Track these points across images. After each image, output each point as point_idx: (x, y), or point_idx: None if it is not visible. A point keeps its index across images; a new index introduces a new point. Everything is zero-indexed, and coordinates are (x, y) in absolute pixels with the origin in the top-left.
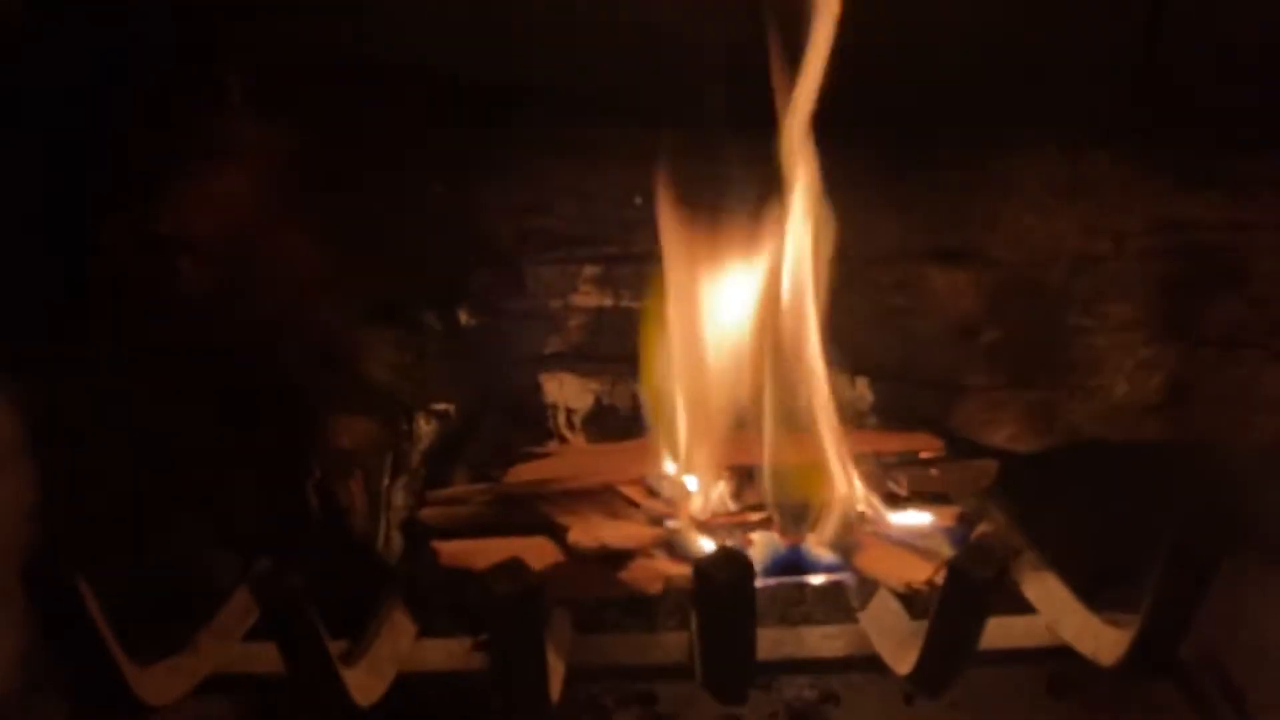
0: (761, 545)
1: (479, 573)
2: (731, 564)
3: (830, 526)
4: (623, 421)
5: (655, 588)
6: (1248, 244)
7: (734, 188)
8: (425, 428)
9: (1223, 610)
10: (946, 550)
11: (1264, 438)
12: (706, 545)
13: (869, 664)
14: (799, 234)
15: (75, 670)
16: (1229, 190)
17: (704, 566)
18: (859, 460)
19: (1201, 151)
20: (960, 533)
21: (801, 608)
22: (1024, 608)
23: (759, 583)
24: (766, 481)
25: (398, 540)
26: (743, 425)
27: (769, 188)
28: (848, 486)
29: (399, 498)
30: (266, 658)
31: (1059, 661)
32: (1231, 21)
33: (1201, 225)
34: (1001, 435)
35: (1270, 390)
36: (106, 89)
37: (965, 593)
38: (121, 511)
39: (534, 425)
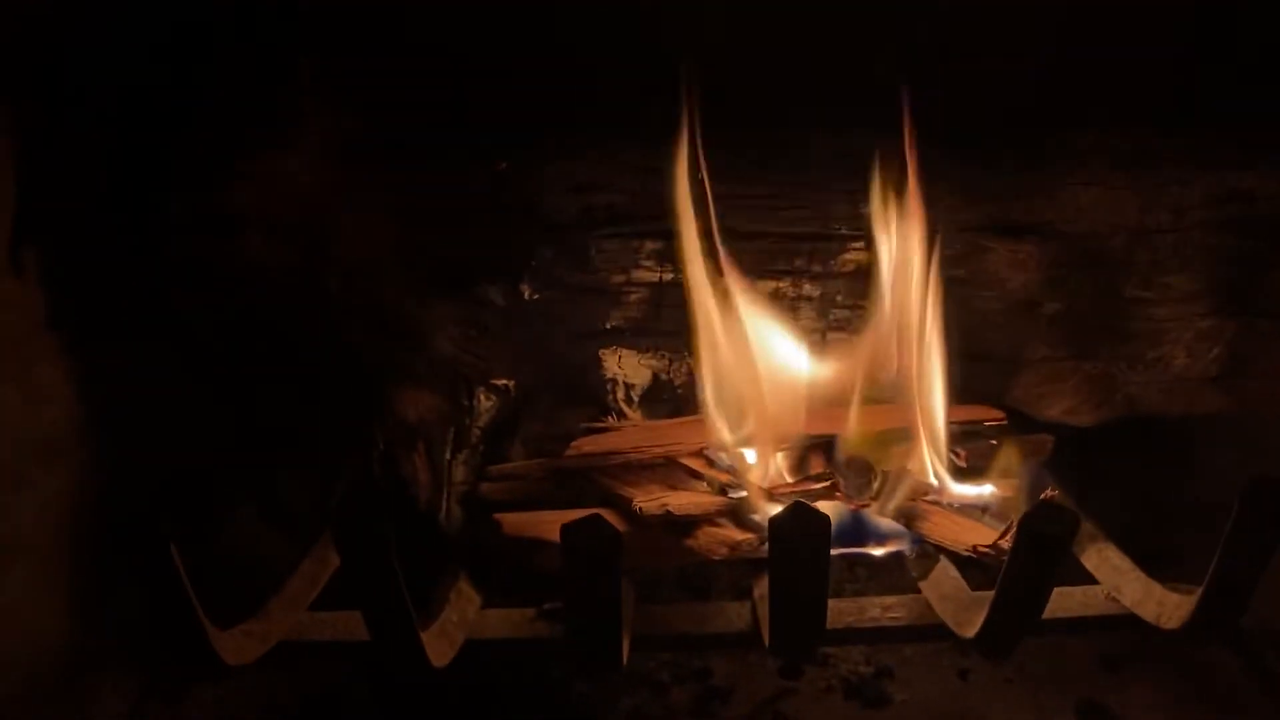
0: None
1: (563, 527)
2: (808, 520)
3: (894, 495)
4: (680, 397)
5: (721, 553)
6: None
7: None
8: (485, 403)
9: (1268, 584)
10: (1009, 518)
11: None
12: (772, 512)
13: (929, 633)
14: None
15: (161, 628)
16: None
17: (780, 522)
18: (923, 431)
19: (1258, 124)
20: (1022, 501)
21: (854, 585)
22: (1079, 580)
23: None
24: (834, 450)
25: (458, 514)
26: (804, 398)
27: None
28: (912, 456)
29: (459, 472)
30: (333, 625)
31: (1113, 634)
32: None
33: (1259, 197)
34: (1059, 408)
35: None
36: (179, 69)
37: (1037, 550)
38: (184, 492)
39: (592, 401)
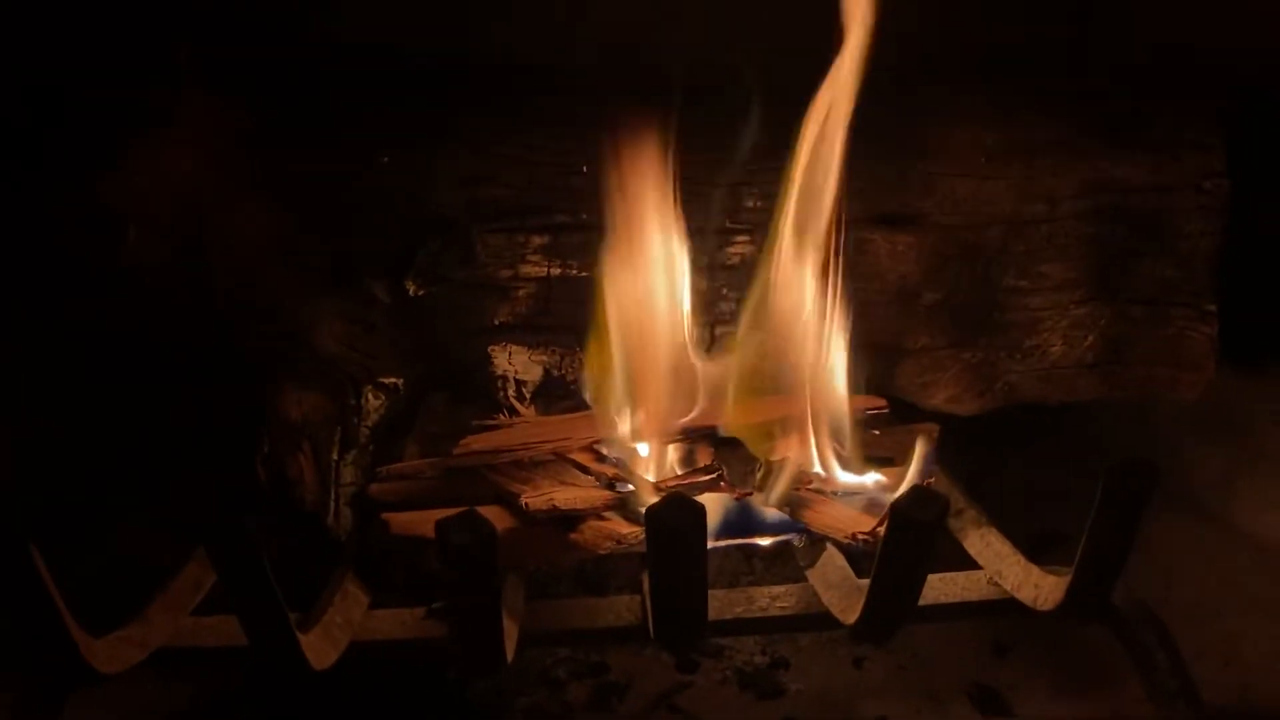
0: (712, 506)
1: (437, 523)
2: (683, 509)
3: (778, 485)
4: (572, 392)
5: (607, 547)
6: (1172, 205)
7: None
8: (373, 402)
9: (1157, 566)
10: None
11: (1191, 396)
12: None
13: (817, 622)
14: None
15: (26, 637)
16: (1154, 152)
17: (656, 512)
18: (807, 421)
19: (1126, 115)
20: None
21: (750, 576)
22: (967, 565)
23: (710, 544)
24: (717, 444)
25: (347, 516)
26: (693, 390)
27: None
28: (796, 447)
29: (348, 474)
30: (217, 631)
31: (1003, 619)
32: None
33: (1129, 187)
34: (941, 397)
35: (1196, 348)
36: (48, 56)
37: (908, 536)
38: (64, 492)
39: (483, 398)
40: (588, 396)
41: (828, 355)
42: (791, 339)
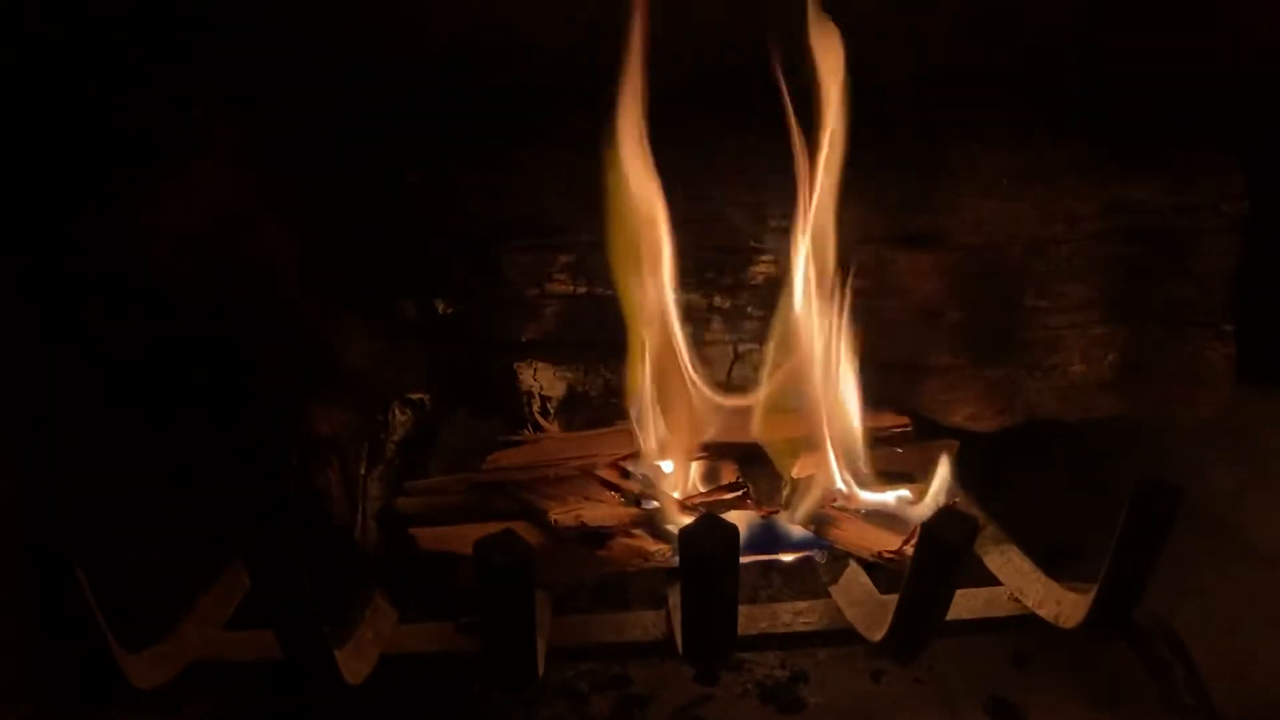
0: (737, 522)
1: (475, 543)
2: (717, 530)
3: (805, 503)
4: (596, 409)
5: (635, 564)
6: (1191, 225)
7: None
8: (400, 418)
9: (1171, 581)
10: (915, 522)
11: (1209, 414)
12: (685, 522)
13: (841, 638)
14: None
15: (69, 651)
16: (1171, 173)
17: (690, 533)
18: (831, 439)
19: (1143, 136)
20: (929, 506)
21: (769, 590)
22: (986, 581)
23: None
24: (746, 459)
25: (374, 530)
26: (719, 407)
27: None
28: (821, 464)
29: (375, 488)
30: (250, 644)
31: (1021, 632)
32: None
33: (1148, 208)
34: (961, 415)
35: (1213, 367)
36: (77, 80)
37: (938, 555)
38: (87, 512)
39: (509, 413)
40: (631, 413)
41: (852, 374)
42: (815, 358)
